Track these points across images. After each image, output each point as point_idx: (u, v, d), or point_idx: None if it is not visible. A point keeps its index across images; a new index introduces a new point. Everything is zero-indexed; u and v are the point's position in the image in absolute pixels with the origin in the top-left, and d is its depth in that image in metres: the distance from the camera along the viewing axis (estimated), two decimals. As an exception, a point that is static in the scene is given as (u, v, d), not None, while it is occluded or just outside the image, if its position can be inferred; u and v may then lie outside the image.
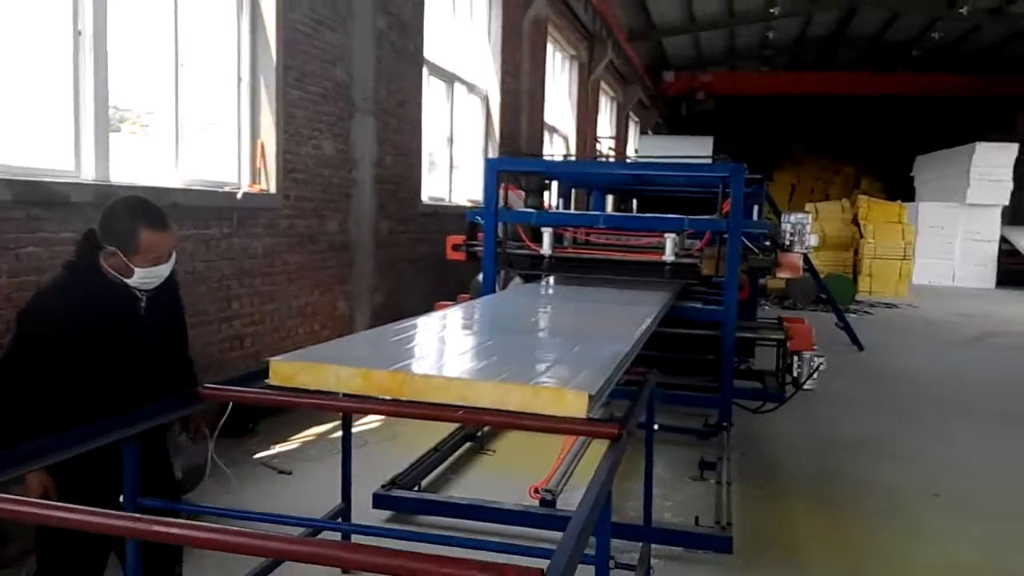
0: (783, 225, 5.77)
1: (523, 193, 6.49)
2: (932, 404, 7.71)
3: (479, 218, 6.28)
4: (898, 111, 26.72)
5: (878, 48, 23.47)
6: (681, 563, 3.98)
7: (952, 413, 7.37)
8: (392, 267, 8.34)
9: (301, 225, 6.66)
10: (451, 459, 5.39)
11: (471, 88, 11.09)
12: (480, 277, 6.43)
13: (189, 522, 1.82)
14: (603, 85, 19.53)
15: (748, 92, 25.65)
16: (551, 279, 5.97)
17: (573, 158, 13.97)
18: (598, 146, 18.19)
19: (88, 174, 4.65)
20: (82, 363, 2.65)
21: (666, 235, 5.55)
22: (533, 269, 5.91)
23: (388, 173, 8.16)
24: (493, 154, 11.63)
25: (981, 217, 19.93)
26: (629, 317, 4.07)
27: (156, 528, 1.66)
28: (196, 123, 5.68)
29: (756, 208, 6.99)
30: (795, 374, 5.74)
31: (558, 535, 1.93)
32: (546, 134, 14.68)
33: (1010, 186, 19.65)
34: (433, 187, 9.90)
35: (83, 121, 4.63)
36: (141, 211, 2.77)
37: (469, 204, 10.96)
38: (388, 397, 2.50)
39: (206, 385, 2.63)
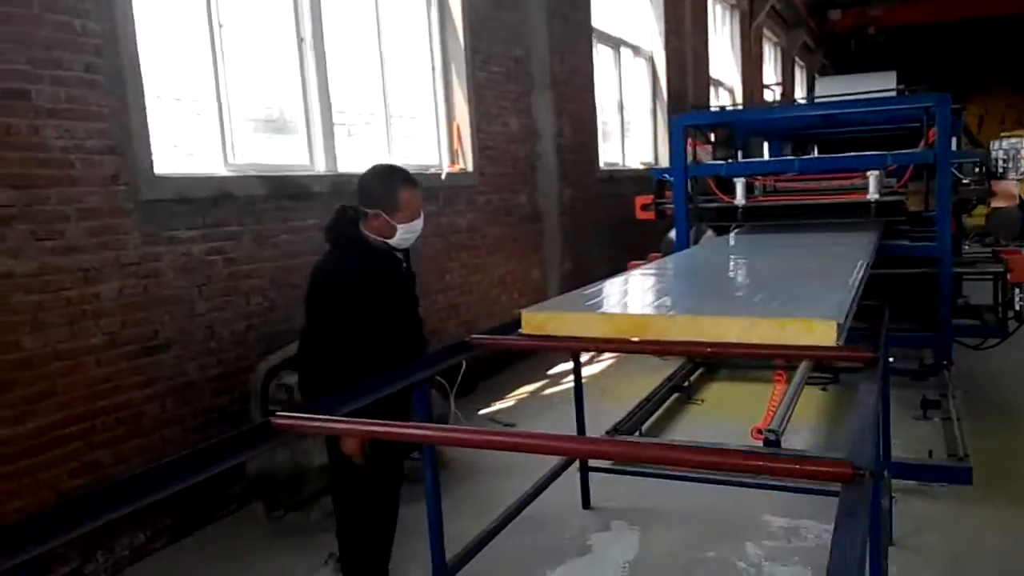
0: (994, 152, 5.50)
1: (710, 147, 6.53)
2: None
3: (667, 176, 6.40)
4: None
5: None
6: (919, 496, 3.99)
7: None
8: (576, 233, 8.60)
9: (496, 200, 7.03)
10: (662, 409, 5.59)
11: (636, 51, 11.11)
12: (671, 234, 6.56)
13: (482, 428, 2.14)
14: (765, 32, 18.85)
15: (923, 21, 23.86)
16: (744, 230, 6.00)
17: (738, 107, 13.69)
18: (768, 93, 17.63)
19: (320, 167, 5.19)
20: (367, 323, 3.02)
21: (869, 173, 5.43)
22: (726, 220, 5.96)
23: (567, 143, 8.40)
24: (662, 115, 11.63)
25: None
26: (842, 257, 4.10)
27: (464, 436, 2.02)
28: (401, 114, 6.13)
29: (954, 140, 6.67)
30: (1018, 307, 5.50)
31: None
32: (712, 89, 14.43)
33: None
34: (607, 153, 10.05)
35: (312, 120, 5.16)
36: (396, 173, 3.11)
37: (642, 166, 11.05)
38: (636, 338, 2.70)
39: (473, 336, 2.97)
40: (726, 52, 16.13)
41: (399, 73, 6.10)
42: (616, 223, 9.61)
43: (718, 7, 15.51)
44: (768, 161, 6.73)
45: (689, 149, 6.03)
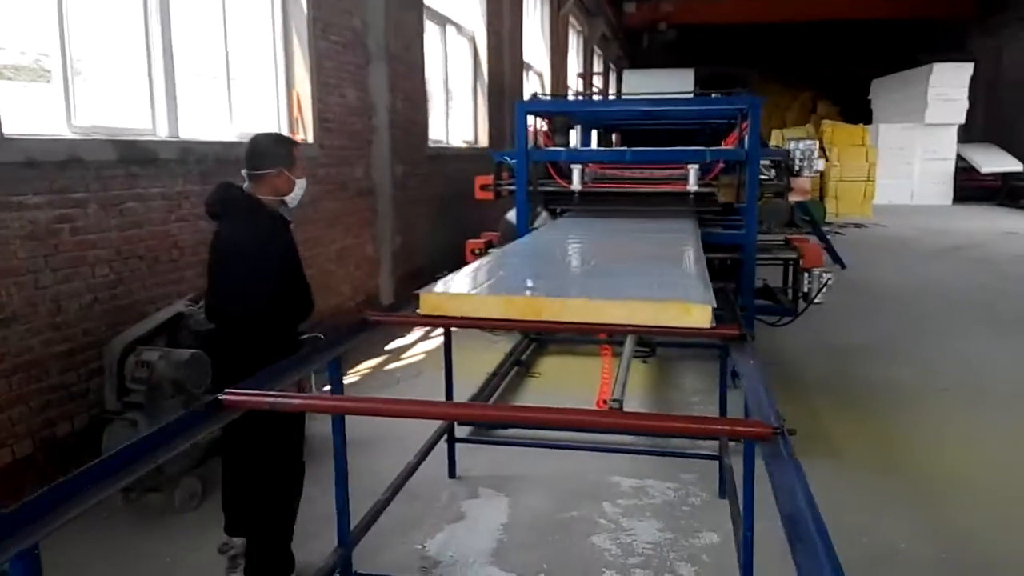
0: (793, 151, 6.26)
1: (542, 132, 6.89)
2: (922, 312, 8.43)
3: (507, 159, 6.67)
4: (854, 36, 27.24)
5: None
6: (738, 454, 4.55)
7: (942, 319, 8.09)
8: (407, 210, 8.69)
9: (334, 173, 6.99)
10: (505, 382, 5.89)
11: (459, 29, 11.29)
12: (510, 215, 6.85)
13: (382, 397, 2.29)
14: (571, 19, 19.68)
15: (708, 21, 25.93)
16: (576, 214, 6.41)
17: (548, 96, 14.33)
18: (578, 82, 18.45)
19: (162, 132, 4.95)
20: (282, 283, 3.14)
21: (689, 166, 6.00)
22: (563, 203, 6.34)
23: (400, 119, 8.45)
24: (482, 95, 11.93)
25: (938, 136, 20.77)
26: (678, 242, 4.57)
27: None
28: (240, 81, 5.93)
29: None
30: (806, 290, 6.32)
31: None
32: (524, 72, 14.92)
33: (966, 105, 20.46)
34: (433, 131, 10.19)
35: (156, 82, 4.90)
36: (284, 136, 3.42)
37: (464, 145, 11.30)
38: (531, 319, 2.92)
39: (372, 313, 3.07)
40: (536, 37, 16.70)
41: (239, 37, 5.89)
42: (443, 201, 9.82)
43: (531, -8, 16.01)
44: (605, 150, 7.20)
45: (530, 133, 6.32)
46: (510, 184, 6.65)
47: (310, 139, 6.53)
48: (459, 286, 3.17)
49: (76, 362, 4.11)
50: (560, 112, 6.31)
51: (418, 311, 3.01)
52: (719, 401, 4.19)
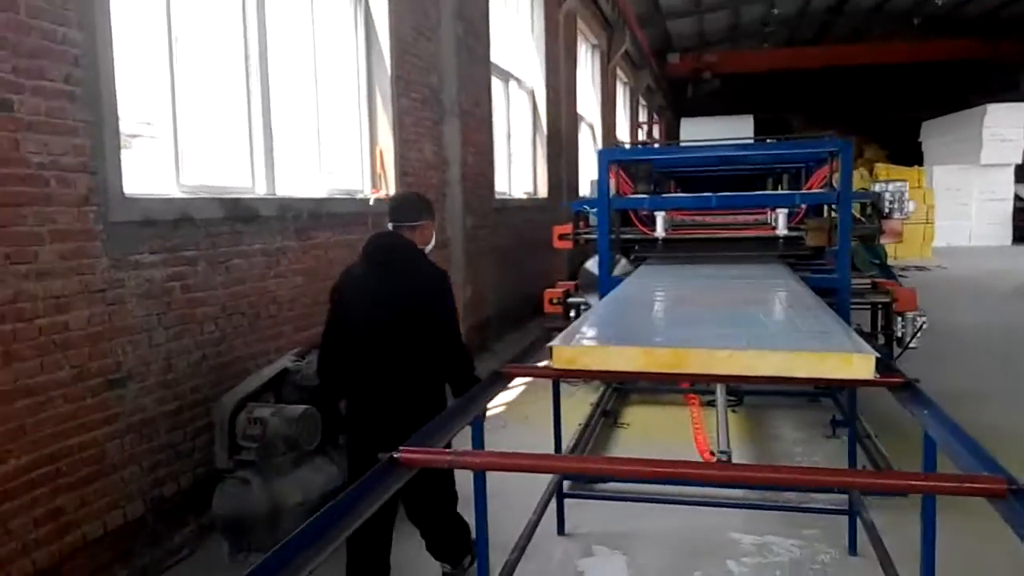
0: (883, 193, 6.14)
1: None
2: (1012, 354, 8.14)
3: (586, 208, 6.65)
4: (900, 79, 27.04)
5: (878, 18, 23.82)
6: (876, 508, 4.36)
7: (1030, 361, 7.80)
8: (476, 261, 8.69)
9: (413, 226, 7.01)
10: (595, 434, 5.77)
11: (520, 84, 11.42)
12: (589, 264, 6.81)
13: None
14: (619, 71, 19.87)
15: (752, 70, 26.00)
16: (656, 261, 6.33)
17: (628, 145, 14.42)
18: (640, 133, 18.55)
19: (260, 189, 5.00)
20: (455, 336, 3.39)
21: (778, 210, 5.91)
22: (647, 252, 6.27)
23: (471, 171, 8.51)
24: (541, 147, 12.00)
25: (995, 176, 20.40)
26: (780, 287, 4.47)
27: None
28: (329, 138, 6.01)
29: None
30: (900, 334, 6.14)
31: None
32: (577, 124, 15.03)
33: (1022, 144, 20.12)
34: (498, 183, 10.25)
35: (255, 141, 4.97)
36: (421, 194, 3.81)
37: (525, 196, 11.33)
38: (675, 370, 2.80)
39: (506, 366, 3.01)
40: (587, 90, 16.86)
41: (327, 95, 5.99)
42: (507, 251, 9.83)
43: (583, 46, 16.20)
44: (688, 197, 7.14)
45: (612, 182, 6.30)
46: (588, 233, 6.62)
47: (392, 192, 6.57)
48: (589, 337, 3.09)
49: (183, 420, 4.10)
50: (643, 159, 6.28)
51: (549, 363, 2.93)
52: (847, 452, 3.99)
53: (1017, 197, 20.84)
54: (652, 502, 4.24)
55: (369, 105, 6.50)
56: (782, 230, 5.96)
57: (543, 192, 11.94)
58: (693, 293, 4.42)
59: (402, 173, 6.73)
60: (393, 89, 6.56)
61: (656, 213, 6.12)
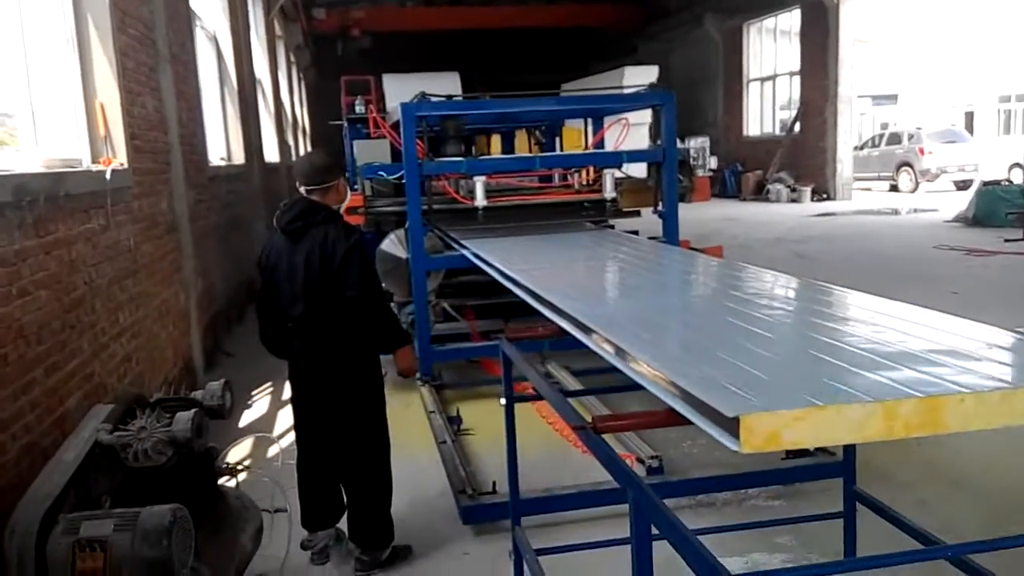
0: (689, 149, 5.92)
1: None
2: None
3: (382, 174, 5.54)
4: (539, 43, 28.44)
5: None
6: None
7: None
8: (203, 245, 7.04)
9: (147, 206, 5.30)
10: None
11: (202, 25, 9.51)
12: (387, 245, 5.72)
13: None
14: (276, 25, 18.04)
15: (401, 28, 25.53)
16: (474, 234, 5.47)
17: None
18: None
19: (-32, 162, 3.18)
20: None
21: (606, 171, 5.37)
22: (464, 224, 5.36)
23: (187, 133, 6.79)
24: (232, 106, 10.23)
25: (632, 133, 22.34)
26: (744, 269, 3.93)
27: None
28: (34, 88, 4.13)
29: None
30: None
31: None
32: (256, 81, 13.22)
33: (652, 104, 22.26)
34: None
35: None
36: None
37: (222, 162, 9.56)
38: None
39: (601, 419, 2.02)
40: (254, 43, 14.97)
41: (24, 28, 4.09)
42: (224, 230, 8.20)
43: (246, -11, 14.26)
44: (510, 158, 6.28)
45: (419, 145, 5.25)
46: (390, 204, 5.52)
47: (124, 162, 4.82)
48: (779, 397, 1.93)
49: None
50: (458, 114, 5.30)
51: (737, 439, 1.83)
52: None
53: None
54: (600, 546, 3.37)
55: (80, 41, 4.63)
56: (610, 192, 5.43)
57: (239, 158, 10.22)
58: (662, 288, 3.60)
59: (130, 136, 4.98)
60: (112, 19, 4.76)
61: (475, 178, 5.22)
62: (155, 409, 2.78)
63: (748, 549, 3.43)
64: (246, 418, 5.55)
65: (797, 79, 20.37)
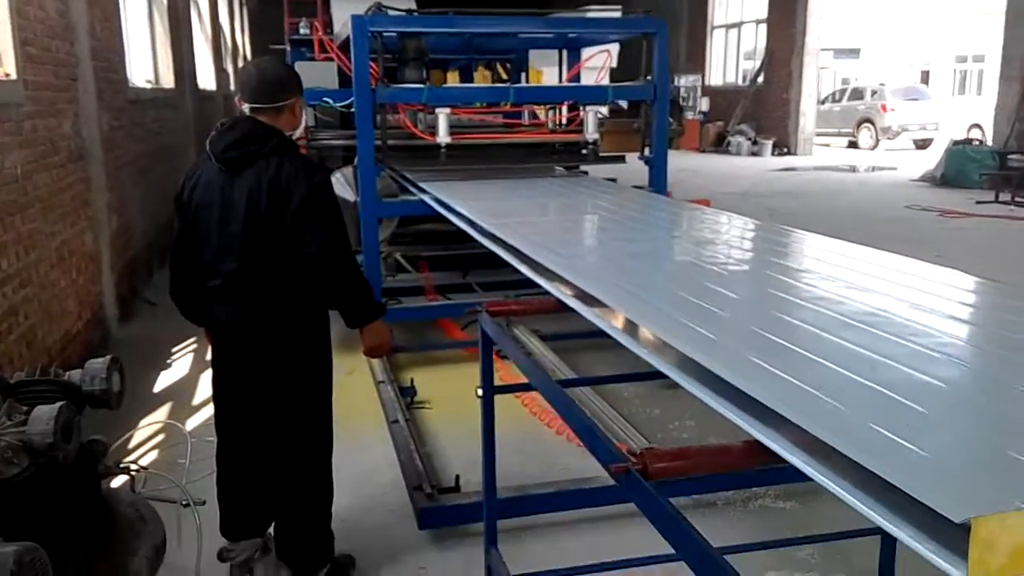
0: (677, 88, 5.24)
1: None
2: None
3: (328, 101, 4.75)
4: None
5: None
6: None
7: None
8: (118, 177, 6.16)
9: (43, 128, 4.43)
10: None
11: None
12: (335, 179, 4.95)
13: None
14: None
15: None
16: (432, 176, 4.74)
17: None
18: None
19: None
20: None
21: (587, 109, 4.67)
22: (426, 164, 4.62)
23: (101, 45, 5.84)
24: (161, 22, 9.16)
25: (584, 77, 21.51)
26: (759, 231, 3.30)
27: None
28: None
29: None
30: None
31: None
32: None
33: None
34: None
35: None
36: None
37: (148, 86, 8.55)
38: None
39: (653, 454, 1.37)
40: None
41: None
42: (146, 161, 7.29)
43: None
44: (480, 88, 5.50)
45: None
46: (337, 137, 4.75)
47: (12, 73, 3.94)
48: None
49: None
50: (419, 32, 4.48)
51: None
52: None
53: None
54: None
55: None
56: (592, 134, 4.73)
57: (168, 82, 9.20)
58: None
59: (22, 41, 4.09)
60: None
61: (438, 111, 4.46)
62: (8, 398, 2.05)
63: (761, 566, 2.86)
64: (163, 381, 4.80)
65: (763, 28, 19.73)
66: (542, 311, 2.32)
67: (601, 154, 5.07)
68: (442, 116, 4.50)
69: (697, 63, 21.68)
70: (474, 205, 3.59)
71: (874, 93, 20.51)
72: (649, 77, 4.73)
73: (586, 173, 5.34)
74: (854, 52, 27.48)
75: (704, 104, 4.75)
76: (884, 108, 19.78)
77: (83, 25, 5.32)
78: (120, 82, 6.43)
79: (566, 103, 5.45)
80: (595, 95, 4.68)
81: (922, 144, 19.98)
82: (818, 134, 19.63)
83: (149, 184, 7.23)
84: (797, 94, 18.40)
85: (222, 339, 2.66)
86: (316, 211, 2.43)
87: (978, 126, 19.11)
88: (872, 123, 20.05)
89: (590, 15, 5.34)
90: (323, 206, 2.46)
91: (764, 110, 19.04)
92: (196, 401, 4.45)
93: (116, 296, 5.75)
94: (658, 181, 4.83)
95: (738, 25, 21.01)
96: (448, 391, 4.49)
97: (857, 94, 21.04)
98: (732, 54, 21.35)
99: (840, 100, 21.37)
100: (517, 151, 5.15)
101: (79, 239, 5.03)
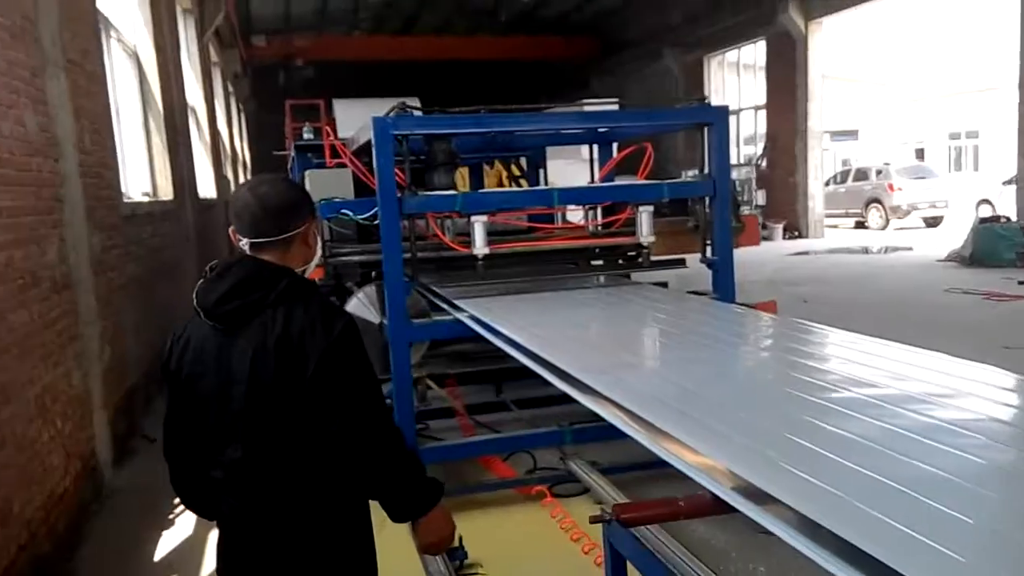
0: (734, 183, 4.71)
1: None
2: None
3: (347, 212, 4.20)
4: (490, 76, 27.41)
5: (463, 12, 23.47)
6: None
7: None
8: (112, 303, 5.55)
9: (19, 258, 3.83)
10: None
11: (120, 38, 8.06)
12: (353, 306, 4.35)
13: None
14: (211, 50, 16.56)
15: (346, 57, 24.16)
16: (472, 292, 4.14)
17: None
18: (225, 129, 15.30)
19: None
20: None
21: (641, 209, 4.11)
22: (463, 278, 4.04)
23: (92, 161, 5.34)
24: (158, 133, 8.76)
25: (566, 170, 21.35)
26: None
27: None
28: None
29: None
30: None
31: None
32: (187, 107, 11.74)
33: (615, 139, 21.33)
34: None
35: None
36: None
37: (146, 198, 8.05)
38: None
39: None
40: (185, 65, 13.49)
41: None
42: (144, 283, 6.70)
43: (178, 7, 12.82)
44: (522, 192, 4.96)
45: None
46: (357, 252, 4.18)
47: None
48: None
49: None
50: (450, 131, 3.94)
51: None
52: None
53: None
54: None
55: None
56: (648, 236, 4.16)
57: (167, 193, 8.72)
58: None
59: (-5, 159, 3.55)
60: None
61: (474, 218, 3.90)
62: None
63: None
64: (165, 544, 4.07)
65: (763, 113, 19.63)
66: (691, 515, 1.65)
67: (654, 258, 4.50)
68: (479, 225, 3.92)
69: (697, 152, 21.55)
70: (521, 324, 3.06)
71: (879, 173, 20.28)
72: (707, 171, 4.20)
73: (628, 277, 4.78)
74: (852, 133, 27.55)
75: (760, 197, 4.36)
76: (891, 187, 19.51)
77: (70, 139, 4.82)
78: (113, 198, 5.90)
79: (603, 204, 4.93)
80: (650, 193, 4.12)
81: (932, 222, 19.65)
82: (826, 215, 19.32)
83: (148, 305, 6.64)
84: (803, 177, 18.11)
85: (229, 539, 2.00)
86: (340, 374, 1.84)
87: (988, 202, 18.82)
88: (881, 203, 19.75)
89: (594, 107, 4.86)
90: (348, 366, 1.86)
91: (770, 193, 18.72)
92: (205, 572, 3.73)
93: (111, 436, 5.07)
94: (724, 286, 4.24)
95: (736, 112, 20.96)
96: (503, 547, 3.77)
97: (862, 174, 20.83)
98: (732, 142, 21.25)
99: (844, 181, 21.15)
100: (555, 257, 4.59)
101: (64, 380, 4.37)
